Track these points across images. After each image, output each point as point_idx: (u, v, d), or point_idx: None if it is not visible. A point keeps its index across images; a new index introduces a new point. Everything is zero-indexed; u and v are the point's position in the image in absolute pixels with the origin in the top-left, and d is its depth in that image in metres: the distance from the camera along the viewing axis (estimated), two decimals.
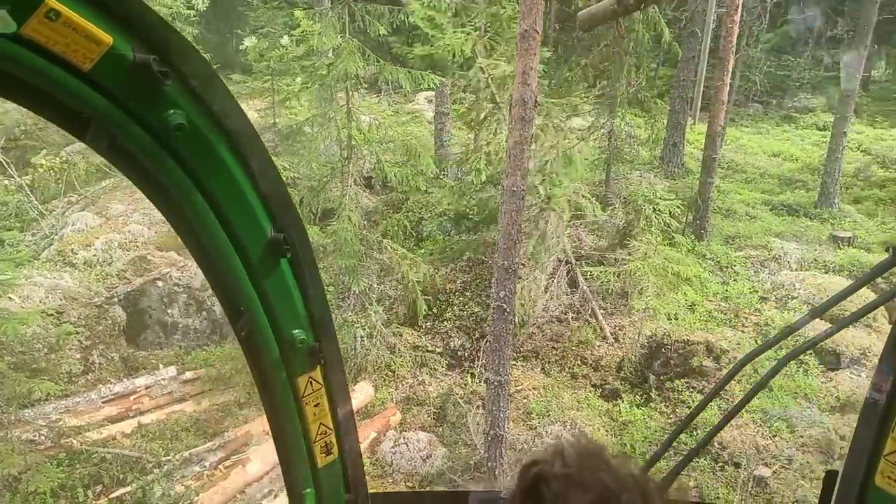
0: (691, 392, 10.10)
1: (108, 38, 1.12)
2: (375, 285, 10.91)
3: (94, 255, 12.16)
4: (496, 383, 7.77)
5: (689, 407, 9.87)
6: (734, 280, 12.78)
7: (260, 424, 9.40)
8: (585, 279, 12.15)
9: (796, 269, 12.94)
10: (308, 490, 1.85)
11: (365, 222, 10.48)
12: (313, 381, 1.72)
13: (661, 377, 10.54)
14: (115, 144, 1.27)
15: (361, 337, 10.36)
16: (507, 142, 7.03)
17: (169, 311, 11.05)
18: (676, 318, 11.55)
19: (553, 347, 11.40)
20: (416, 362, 10.70)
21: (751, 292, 12.37)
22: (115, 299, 10.94)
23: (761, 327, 11.57)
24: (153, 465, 8.63)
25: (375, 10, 9.64)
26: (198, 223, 1.41)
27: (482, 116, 11.09)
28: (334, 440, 1.84)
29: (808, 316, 1.92)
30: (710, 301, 12.23)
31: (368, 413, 9.89)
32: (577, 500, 0.97)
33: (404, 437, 9.37)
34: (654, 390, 10.34)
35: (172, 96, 1.25)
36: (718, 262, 13.32)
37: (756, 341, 11.26)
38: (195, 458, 8.82)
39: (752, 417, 9.78)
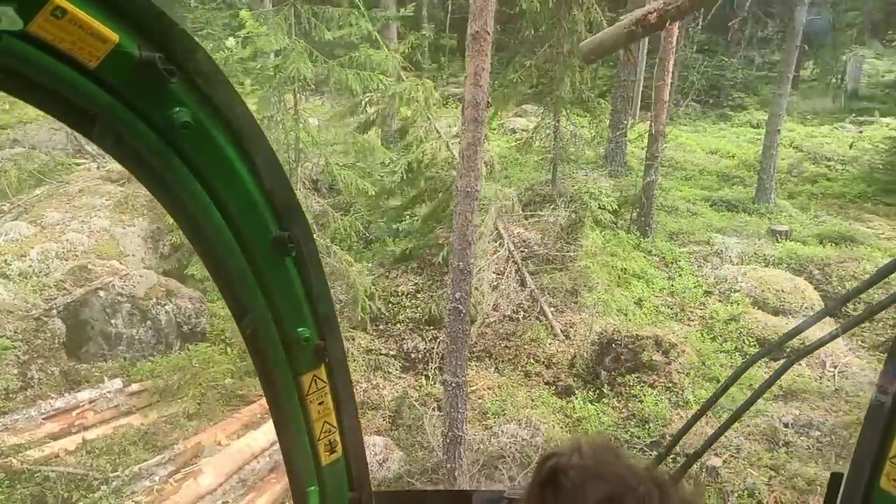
0: (642, 386, 10.29)
1: (113, 36, 1.13)
2: None
3: (30, 266, 11.66)
4: (454, 385, 7.77)
5: (640, 401, 10.05)
6: (679, 275, 13.10)
7: (211, 435, 9.18)
8: (534, 277, 12.28)
9: (738, 264, 13.35)
10: (312, 488, 1.86)
11: (314, 226, 10.34)
12: (318, 380, 1.73)
13: (613, 372, 10.71)
14: (120, 142, 1.27)
15: None
16: (460, 143, 7.03)
17: (112, 321, 10.68)
18: (625, 314, 11.77)
19: (506, 346, 11.47)
20: (370, 366, 10.62)
21: (695, 287, 12.70)
22: (54, 311, 10.51)
23: (706, 321, 11.89)
24: (100, 482, 8.32)
25: (324, 13, 9.52)
26: (203, 221, 1.42)
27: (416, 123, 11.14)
28: (338, 438, 1.85)
29: (815, 317, 1.95)
30: (657, 296, 12.51)
31: None
32: (595, 491, 0.99)
33: None
34: (606, 386, 10.51)
35: (178, 94, 1.26)
36: (664, 257, 13.64)
37: (702, 335, 11.57)
38: (145, 473, 8.54)
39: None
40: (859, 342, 11.83)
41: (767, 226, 15.27)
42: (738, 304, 11.93)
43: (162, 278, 11.48)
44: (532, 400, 10.40)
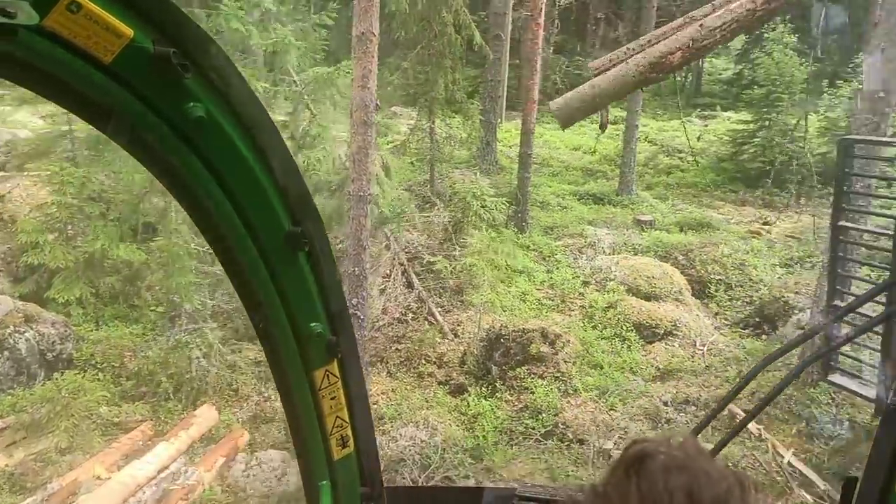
0: (533, 378, 10.57)
1: (128, 31, 1.13)
2: (208, 300, 10.26)
3: None
4: None
5: (532, 393, 10.32)
6: (557, 268, 13.58)
7: (88, 469, 8.48)
8: (420, 278, 12.30)
9: (610, 254, 14.01)
10: (324, 482, 1.88)
11: (193, 234, 9.80)
12: (330, 375, 1.74)
13: (503, 367, 10.93)
14: (135, 136, 1.27)
15: (198, 358, 9.70)
16: (350, 147, 6.90)
17: None
18: (511, 309, 12.04)
19: (396, 349, 11.41)
20: (260, 378, 10.23)
21: (573, 278, 13.21)
22: None
23: (586, 309, 12.39)
24: None
25: (190, 14, 9.01)
26: (216, 215, 1.42)
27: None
28: (350, 433, 1.87)
29: (832, 318, 2.00)
30: (539, 289, 12.90)
31: (213, 438, 9.29)
32: (677, 479, 1.00)
33: (256, 458, 8.93)
34: (498, 381, 10.70)
35: (192, 89, 1.26)
36: (541, 251, 14.09)
37: (583, 323, 12.05)
38: None
39: (590, 396, 10.43)
40: (723, 320, 12.78)
41: (633, 216, 16.15)
42: (614, 293, 12.53)
43: (19, 303, 10.47)
44: (427, 401, 10.40)
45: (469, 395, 10.48)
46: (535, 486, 2.69)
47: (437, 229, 13.47)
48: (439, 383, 10.93)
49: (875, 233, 8.64)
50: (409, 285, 12.20)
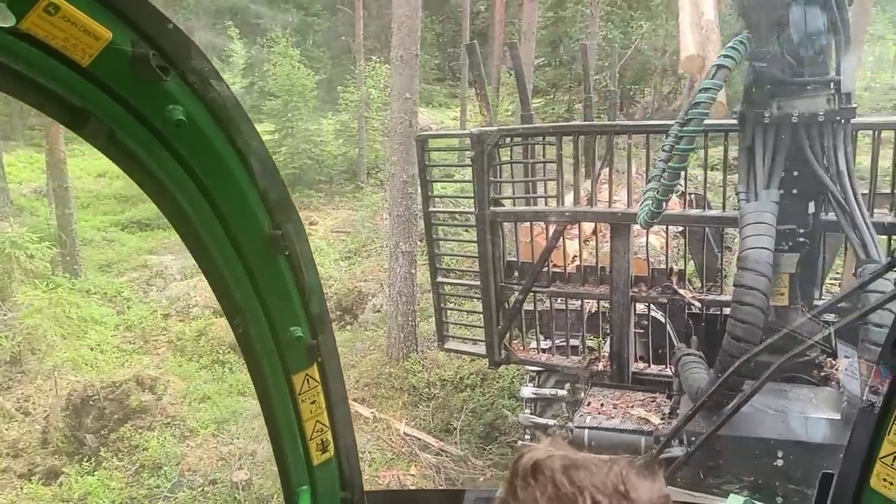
0: (141, 433, 9.50)
1: (107, 34, 1.12)
2: None
3: None
4: None
5: (145, 449, 9.27)
6: (129, 307, 12.35)
7: None
8: None
9: (183, 279, 13.27)
10: (303, 487, 1.84)
11: None
12: (310, 379, 1.72)
13: (102, 432, 9.57)
14: (113, 140, 1.25)
15: None
16: None
17: None
18: (91, 365, 10.55)
19: None
20: None
21: (151, 314, 12.19)
22: None
23: (175, 343, 11.59)
24: None
25: None
26: (196, 219, 1.41)
27: None
28: (330, 438, 1.84)
29: (815, 314, 2.00)
30: (115, 335, 11.56)
31: None
32: (577, 476, 1.04)
33: None
34: (101, 449, 9.31)
35: (172, 92, 1.24)
36: (105, 293, 12.61)
37: (177, 358, 11.22)
38: None
39: (208, 431, 9.84)
40: None
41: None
42: (201, 318, 11.96)
43: None
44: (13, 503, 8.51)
45: (68, 476, 8.91)
46: None
47: None
48: (21, 476, 9.04)
49: (462, 213, 10.01)
50: None
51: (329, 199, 20.22)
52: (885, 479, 1.65)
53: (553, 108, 24.75)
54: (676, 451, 5.86)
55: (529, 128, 7.55)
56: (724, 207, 6.88)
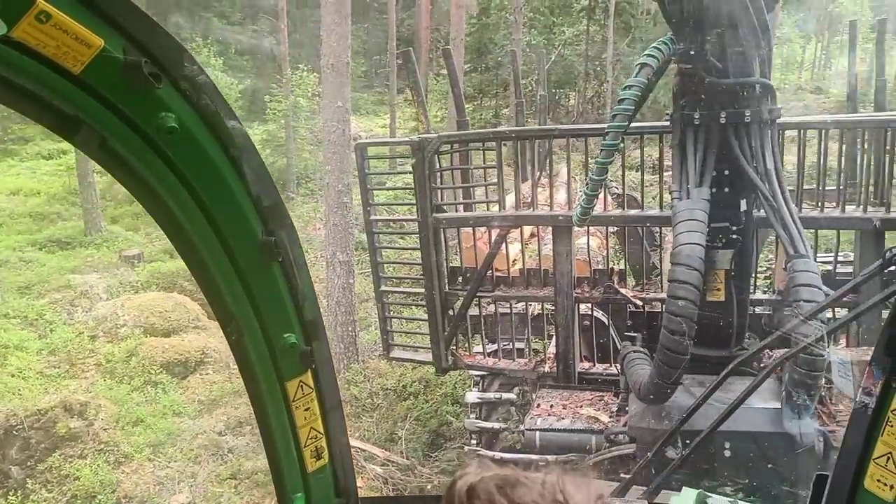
0: (71, 462, 9.06)
1: (98, 41, 1.12)
2: None
3: None
4: None
5: (77, 479, 8.83)
6: (52, 330, 11.75)
7: None
8: None
9: (109, 299, 12.73)
10: (298, 495, 1.83)
11: None
12: (304, 385, 1.72)
13: (28, 463, 9.08)
14: (105, 147, 1.24)
15: None
16: None
17: None
18: (13, 392, 9.98)
19: None
20: None
21: (77, 336, 11.63)
22: None
23: (104, 365, 11.12)
24: None
25: None
26: (189, 226, 1.40)
27: None
28: (325, 444, 1.83)
29: (806, 317, 1.97)
30: (39, 360, 10.98)
31: None
32: (515, 494, 1.05)
33: None
34: (27, 481, 8.83)
35: (164, 99, 1.24)
36: (25, 316, 11.95)
37: (106, 381, 10.75)
38: None
39: (144, 456, 9.46)
40: None
41: (117, 254, 14.93)
42: (130, 338, 11.49)
43: None
44: None
45: None
46: None
47: None
48: None
49: (401, 220, 9.94)
50: None
51: None
52: (878, 480, 1.66)
53: (481, 114, 25.00)
54: (626, 449, 6.00)
55: (470, 133, 7.62)
56: (660, 207, 7.08)
